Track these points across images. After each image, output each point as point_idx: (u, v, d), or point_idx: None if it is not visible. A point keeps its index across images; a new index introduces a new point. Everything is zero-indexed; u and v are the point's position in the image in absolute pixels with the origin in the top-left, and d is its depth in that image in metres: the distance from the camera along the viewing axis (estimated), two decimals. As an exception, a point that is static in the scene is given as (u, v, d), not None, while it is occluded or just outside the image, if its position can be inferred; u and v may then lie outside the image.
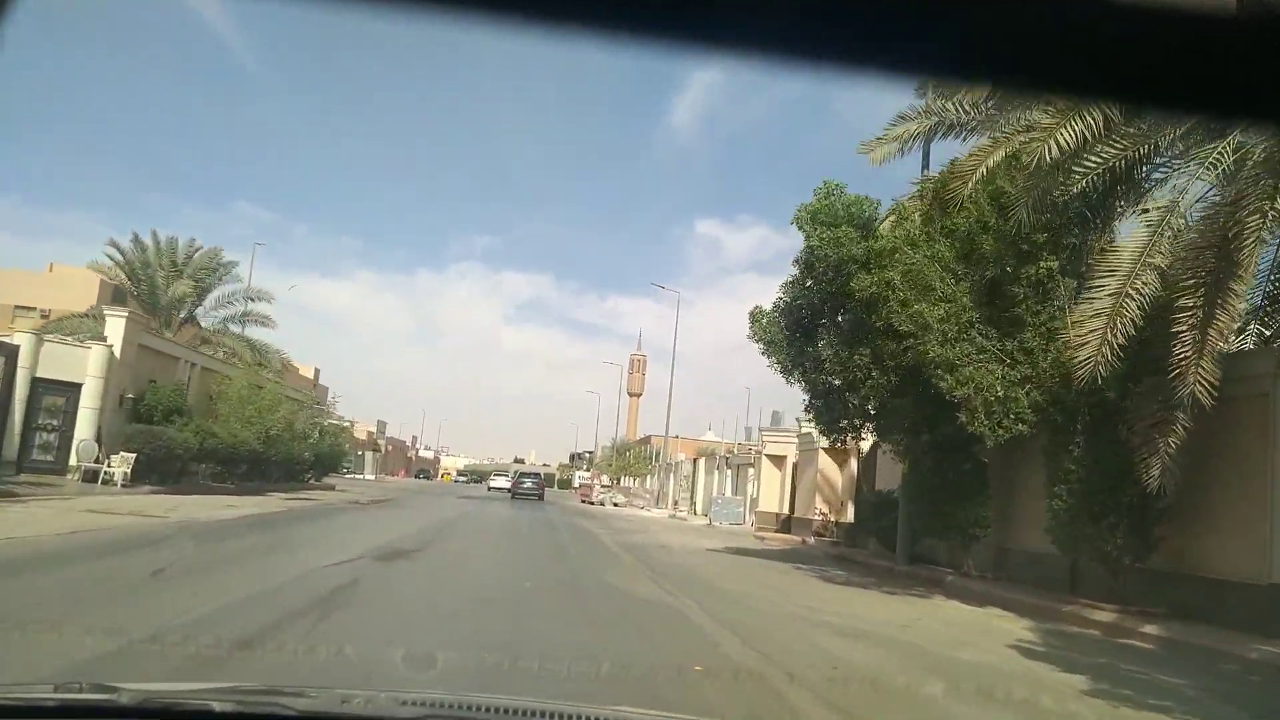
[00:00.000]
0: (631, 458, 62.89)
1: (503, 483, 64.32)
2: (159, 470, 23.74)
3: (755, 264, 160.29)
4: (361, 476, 63.75)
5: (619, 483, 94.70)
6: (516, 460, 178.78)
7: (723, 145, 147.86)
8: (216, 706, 1.87)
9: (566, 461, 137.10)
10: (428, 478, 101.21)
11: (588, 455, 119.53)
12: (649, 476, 61.25)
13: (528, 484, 49.92)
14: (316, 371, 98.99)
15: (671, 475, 49.10)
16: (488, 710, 2.10)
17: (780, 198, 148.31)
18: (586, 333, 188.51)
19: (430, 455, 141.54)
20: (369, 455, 63.73)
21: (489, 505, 36.92)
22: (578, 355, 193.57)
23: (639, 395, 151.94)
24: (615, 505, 49.50)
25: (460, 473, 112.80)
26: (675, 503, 46.36)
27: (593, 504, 49.89)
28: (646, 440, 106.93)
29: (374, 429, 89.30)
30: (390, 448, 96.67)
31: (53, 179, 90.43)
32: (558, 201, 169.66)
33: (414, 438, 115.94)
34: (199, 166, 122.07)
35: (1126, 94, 1.03)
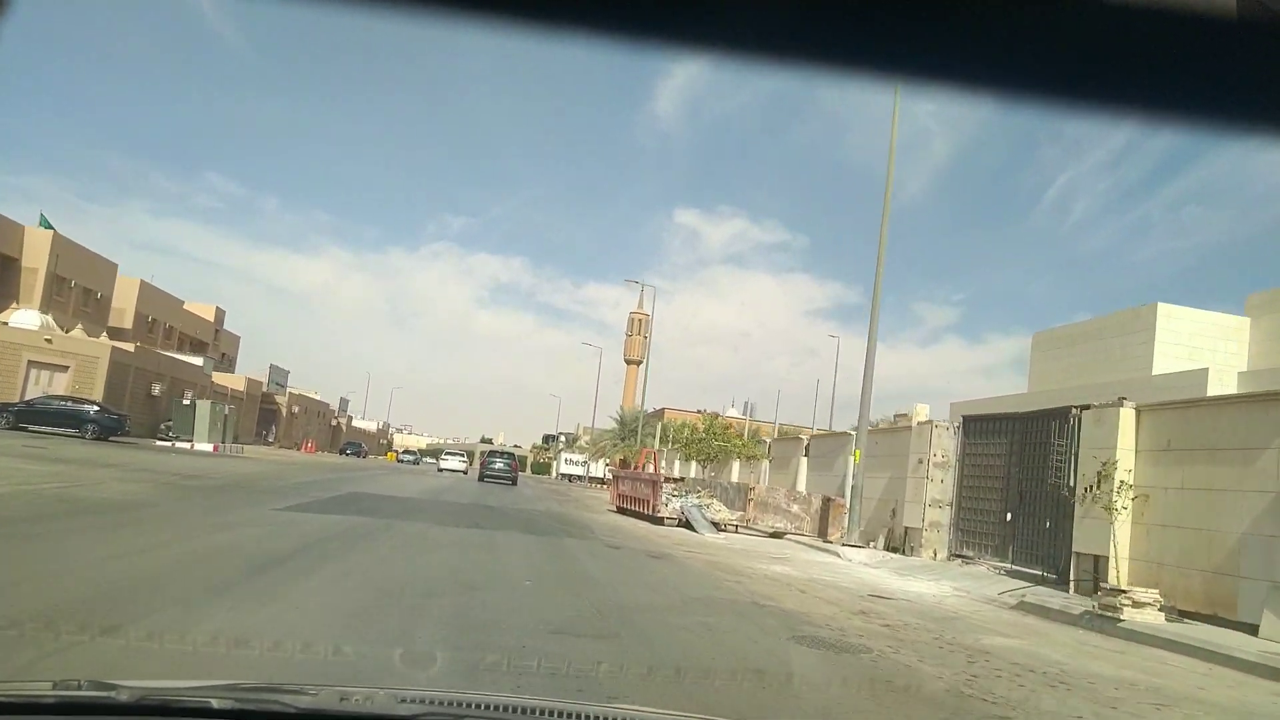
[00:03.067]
0: (704, 432, 32.95)
1: (457, 464, 50.19)
2: None
3: (732, 256, 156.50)
4: (190, 445, 33.62)
5: (623, 468, 66.49)
6: (484, 440, 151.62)
7: (705, 133, 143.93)
8: (215, 703, 1.85)
9: (540, 443, 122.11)
10: (357, 454, 71.35)
11: (563, 437, 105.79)
12: (738, 462, 31.64)
13: (499, 465, 40.38)
14: (219, 313, 68.88)
15: (844, 472, 18.97)
16: (486, 707, 2.08)
17: (762, 189, 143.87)
18: (560, 319, 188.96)
19: (371, 427, 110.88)
20: (204, 409, 33.32)
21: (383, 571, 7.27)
22: (550, 341, 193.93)
23: (639, 363, 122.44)
24: (722, 529, 20.09)
25: (408, 451, 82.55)
26: (927, 534, 16.60)
27: (658, 519, 20.48)
28: (660, 413, 77.47)
29: (262, 377, 58.90)
30: (298, 409, 66.15)
31: (13, 141, 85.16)
32: (535, 184, 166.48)
33: (343, 401, 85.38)
34: (169, 135, 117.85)
35: (1126, 98, 0.98)
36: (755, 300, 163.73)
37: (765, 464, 27.64)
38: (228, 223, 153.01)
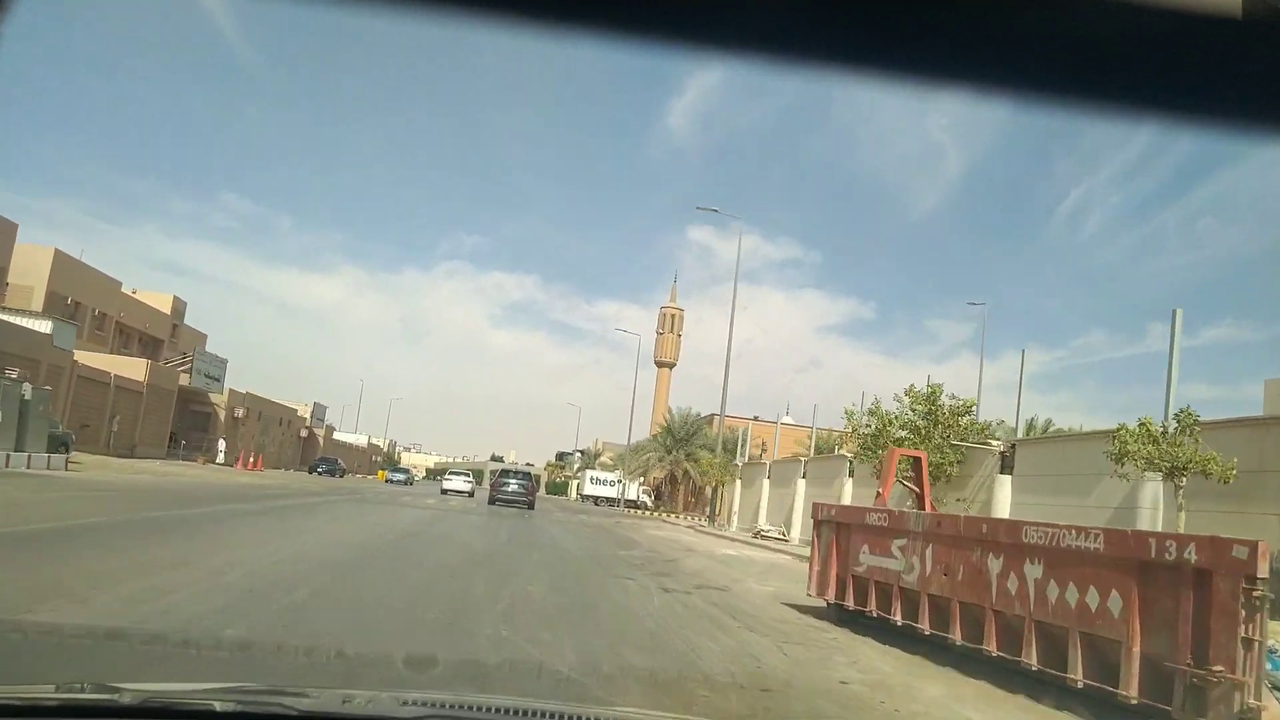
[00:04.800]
0: (916, 419, 16.01)
1: (461, 484, 42.60)
2: None
3: (744, 273, 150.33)
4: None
5: (682, 488, 51.49)
6: (494, 458, 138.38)
7: (717, 150, 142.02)
8: (218, 706, 1.84)
9: (554, 461, 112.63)
10: (331, 473, 55.92)
11: (578, 454, 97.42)
12: (1002, 479, 15.11)
13: (513, 486, 31.60)
14: (177, 304, 54.13)
15: None
16: (488, 710, 2.08)
17: (774, 206, 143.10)
18: (573, 336, 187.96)
19: (361, 441, 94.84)
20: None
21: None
22: (563, 359, 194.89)
23: (672, 366, 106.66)
24: None
25: (398, 469, 66.31)
26: None
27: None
28: (708, 420, 61.07)
29: (189, 366, 43.06)
30: (243, 413, 49.93)
31: (32, 163, 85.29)
32: (548, 203, 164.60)
33: (318, 407, 69.08)
34: (184, 155, 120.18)
35: (1132, 97, 0.99)
36: (767, 316, 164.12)
37: (1150, 487, 10.97)
38: (242, 242, 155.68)
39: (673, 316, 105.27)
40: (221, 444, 46.26)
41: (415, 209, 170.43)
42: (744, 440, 36.77)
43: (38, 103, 79.72)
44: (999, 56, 0.90)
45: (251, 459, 44.57)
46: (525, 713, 2.05)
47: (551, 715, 2.07)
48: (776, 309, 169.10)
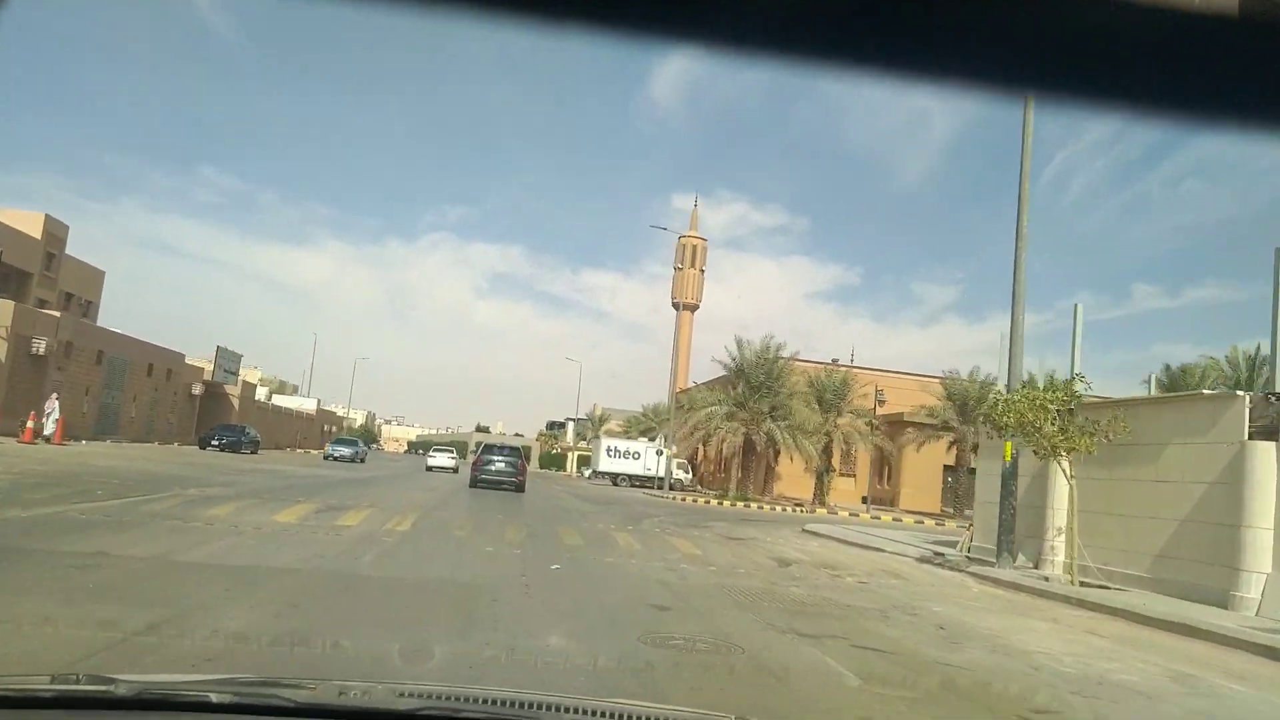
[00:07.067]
0: None
1: (446, 460, 40.70)
2: None
3: (731, 240, 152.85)
4: None
5: (758, 462, 33.60)
6: (479, 429, 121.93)
7: (704, 118, 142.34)
8: (214, 698, 1.82)
9: (545, 430, 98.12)
10: (234, 448, 37.55)
11: (571, 423, 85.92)
12: None
13: (499, 463, 26.93)
14: (51, 227, 39.80)
15: None
16: (484, 701, 2.04)
17: (762, 173, 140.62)
18: (559, 307, 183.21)
19: (309, 407, 74.83)
20: None
21: None
22: (550, 330, 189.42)
23: (694, 308, 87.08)
24: None
25: (343, 441, 46.85)
26: None
27: None
28: (774, 361, 40.08)
29: None
30: (56, 348, 29.88)
31: (10, 139, 70.21)
32: (533, 172, 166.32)
33: (224, 354, 48.96)
34: (165, 131, 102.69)
35: (1127, 97, 0.99)
36: (758, 283, 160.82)
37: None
38: (226, 218, 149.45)
39: (694, 248, 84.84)
40: (53, 402, 27.01)
41: (399, 180, 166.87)
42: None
43: (17, 80, 75.58)
44: (989, 53, 0.88)
45: (47, 426, 24.89)
46: (522, 704, 2.03)
47: (548, 706, 2.03)
48: (767, 275, 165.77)
